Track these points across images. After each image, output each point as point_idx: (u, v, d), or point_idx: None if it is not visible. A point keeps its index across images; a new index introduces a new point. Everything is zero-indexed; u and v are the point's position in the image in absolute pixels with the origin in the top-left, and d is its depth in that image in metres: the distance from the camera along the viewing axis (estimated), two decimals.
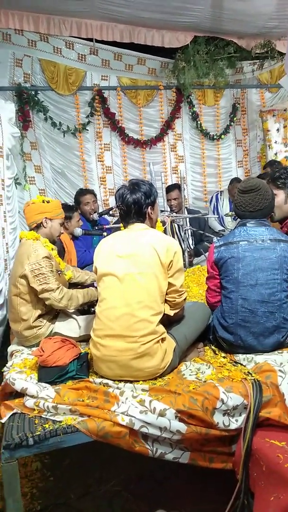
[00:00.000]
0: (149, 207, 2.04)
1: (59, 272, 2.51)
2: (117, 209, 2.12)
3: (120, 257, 1.94)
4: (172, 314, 2.01)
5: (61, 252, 3.39)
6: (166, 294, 1.97)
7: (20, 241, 2.54)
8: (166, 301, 1.99)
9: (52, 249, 2.50)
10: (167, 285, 1.95)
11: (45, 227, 2.51)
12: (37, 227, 2.50)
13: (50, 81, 4.75)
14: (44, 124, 4.86)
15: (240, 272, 2.05)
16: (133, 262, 1.91)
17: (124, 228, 2.08)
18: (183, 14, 4.32)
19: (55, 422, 1.69)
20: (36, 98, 4.73)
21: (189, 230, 4.13)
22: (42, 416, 1.74)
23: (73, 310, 2.49)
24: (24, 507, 1.81)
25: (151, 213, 2.06)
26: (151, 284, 1.89)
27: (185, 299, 2.05)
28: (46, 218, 2.49)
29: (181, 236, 4.14)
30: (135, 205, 1.99)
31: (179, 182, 4.06)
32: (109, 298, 1.92)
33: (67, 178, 5.09)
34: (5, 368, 2.14)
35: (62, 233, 2.70)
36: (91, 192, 4.27)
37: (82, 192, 4.24)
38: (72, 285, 2.80)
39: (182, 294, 2.01)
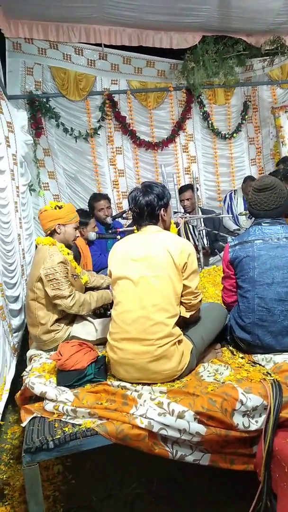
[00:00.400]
0: (162, 209, 2.04)
1: (74, 276, 2.53)
2: (130, 211, 2.12)
3: (134, 260, 1.94)
4: (188, 316, 2.00)
5: (77, 257, 3.42)
6: (182, 296, 1.96)
7: (36, 247, 2.57)
8: (181, 303, 1.98)
9: (68, 253, 2.52)
10: (182, 287, 1.94)
11: (59, 233, 2.53)
12: (52, 233, 2.53)
13: (61, 87, 4.81)
14: (56, 130, 4.92)
15: (256, 271, 2.03)
16: (147, 265, 1.91)
17: (137, 231, 2.08)
18: (190, 14, 4.32)
19: (74, 425, 1.70)
20: (48, 105, 4.79)
21: (204, 230, 4.12)
22: (62, 419, 1.75)
23: (88, 314, 2.50)
24: (47, 510, 1.82)
25: (164, 215, 2.06)
26: (166, 287, 1.89)
27: (200, 300, 2.04)
28: (59, 224, 2.51)
29: (195, 237, 4.12)
30: (148, 207, 1.99)
31: (192, 183, 4.04)
32: (124, 301, 1.93)
33: (80, 182, 5.14)
34: (24, 373, 2.17)
35: (78, 236, 2.71)
36: (105, 198, 4.29)
37: (96, 198, 4.26)
38: (88, 289, 2.82)
39: (198, 295, 2.00)
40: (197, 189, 4.18)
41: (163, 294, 1.88)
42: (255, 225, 2.14)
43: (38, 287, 2.34)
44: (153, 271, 1.89)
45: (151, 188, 2.02)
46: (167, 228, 2.12)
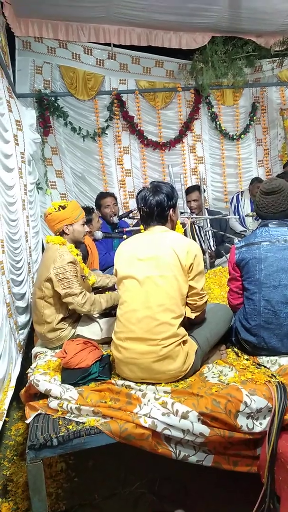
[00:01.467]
0: (171, 210, 2.04)
1: (83, 277, 2.54)
2: (138, 211, 2.11)
3: (141, 260, 1.94)
4: (193, 317, 2.00)
5: (85, 256, 3.42)
6: (187, 297, 1.96)
7: (46, 245, 2.56)
8: (187, 304, 1.98)
9: (77, 254, 2.53)
10: (188, 288, 1.94)
11: (68, 233, 2.53)
12: (61, 234, 2.52)
13: (70, 86, 4.82)
14: (64, 129, 4.94)
15: (263, 273, 2.02)
16: (154, 264, 1.91)
17: (145, 230, 2.08)
18: (200, 15, 4.31)
19: (78, 423, 1.71)
20: (56, 104, 4.81)
21: (210, 232, 4.11)
22: (66, 417, 1.75)
23: (96, 314, 2.51)
24: (50, 507, 1.83)
25: (172, 215, 2.06)
26: (172, 287, 1.88)
27: (206, 301, 2.04)
28: (66, 225, 2.51)
29: (202, 238, 4.12)
30: (158, 207, 1.99)
31: (199, 184, 4.04)
32: (130, 301, 1.93)
33: (87, 182, 5.15)
34: (29, 370, 2.18)
35: (88, 231, 2.70)
36: (111, 195, 4.30)
37: (102, 195, 4.28)
38: (94, 289, 2.82)
39: (203, 297, 2.00)
40: (204, 190, 4.17)
41: (168, 294, 1.88)
42: (262, 227, 2.13)
43: (46, 286, 2.35)
44: (159, 271, 1.89)
45: (161, 188, 2.01)
46: (173, 228, 2.12)
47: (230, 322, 2.23)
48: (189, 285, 1.94)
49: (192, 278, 1.93)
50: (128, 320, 1.91)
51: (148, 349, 1.85)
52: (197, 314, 2.02)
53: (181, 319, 1.92)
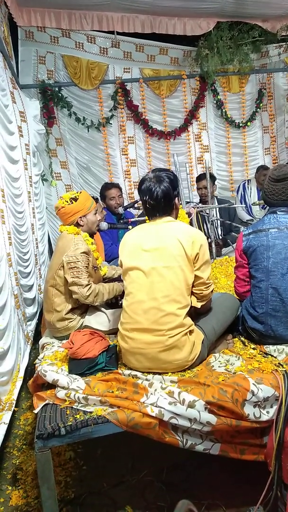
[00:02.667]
0: (176, 198, 2.01)
1: (95, 268, 2.53)
2: (142, 204, 2.05)
3: (146, 251, 1.92)
4: (199, 306, 1.99)
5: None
6: (193, 286, 1.95)
7: (59, 234, 2.55)
8: (193, 293, 1.97)
9: (92, 243, 2.52)
10: (194, 277, 1.92)
11: (82, 225, 2.52)
12: (76, 225, 2.51)
13: (73, 76, 4.78)
14: (69, 119, 4.91)
15: (270, 261, 2.00)
16: (159, 255, 1.89)
17: (149, 221, 2.07)
18: (205, 0, 4.22)
19: (86, 412, 1.72)
20: (60, 94, 4.78)
21: (218, 221, 4.08)
22: (73, 407, 1.77)
23: (101, 305, 2.51)
24: (59, 495, 1.86)
25: (177, 204, 2.03)
26: (177, 278, 1.87)
27: (212, 291, 2.02)
28: (80, 217, 2.49)
29: (208, 227, 4.09)
30: (165, 198, 1.93)
31: (205, 172, 4.00)
32: (136, 292, 1.92)
33: (92, 172, 5.14)
34: (36, 361, 2.20)
35: (100, 220, 2.69)
36: (117, 186, 4.28)
37: (107, 187, 4.25)
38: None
39: (209, 286, 1.99)
40: (215, 178, 4.12)
41: (174, 285, 1.87)
42: (270, 214, 2.10)
43: (59, 274, 2.36)
44: (165, 261, 1.88)
45: (164, 177, 1.94)
46: (176, 215, 2.09)
47: (237, 312, 2.22)
48: (195, 275, 1.92)
49: (198, 267, 1.92)
50: (134, 311, 1.91)
51: (155, 339, 1.85)
52: (203, 303, 2.01)
53: (187, 309, 1.91)
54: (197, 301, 1.99)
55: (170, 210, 2.00)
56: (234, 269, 2.27)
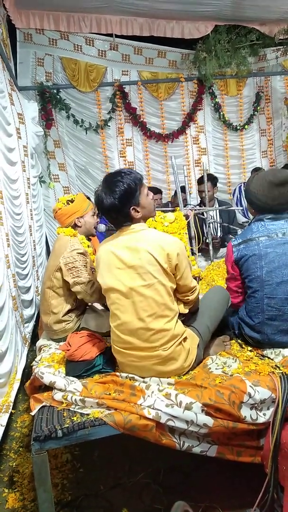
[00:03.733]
0: (132, 209, 1.79)
1: (92, 269, 2.54)
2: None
3: (120, 269, 1.81)
4: (186, 311, 1.96)
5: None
6: (179, 293, 1.90)
7: (57, 236, 2.56)
8: (179, 300, 1.93)
9: (88, 246, 2.53)
10: (178, 285, 1.86)
11: (80, 226, 2.53)
12: (73, 227, 2.53)
13: (72, 78, 4.80)
14: (67, 122, 4.92)
15: (264, 270, 1.95)
16: (134, 274, 1.79)
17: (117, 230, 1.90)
18: (203, 3, 4.26)
19: (82, 415, 1.72)
20: (58, 97, 4.79)
21: (217, 223, 4.10)
22: (70, 409, 1.76)
23: (101, 307, 2.51)
24: (55, 498, 1.85)
25: (136, 213, 1.81)
26: (159, 294, 1.78)
27: (198, 293, 1.98)
28: (77, 218, 2.51)
29: (205, 230, 4.10)
30: (112, 211, 1.78)
31: (203, 175, 4.02)
32: (120, 314, 1.84)
33: (90, 174, 5.14)
34: (33, 363, 2.19)
35: (98, 222, 2.70)
36: None
37: None
38: None
39: (194, 290, 1.94)
40: (217, 180, 4.12)
41: (157, 302, 1.79)
42: (257, 221, 2.03)
43: (56, 276, 2.36)
44: (142, 280, 1.78)
45: (111, 184, 1.76)
46: (148, 215, 1.91)
47: (228, 302, 2.19)
48: (179, 284, 1.86)
49: (180, 276, 1.84)
50: (122, 332, 1.85)
51: (149, 355, 1.82)
52: (190, 306, 1.97)
53: (175, 318, 1.86)
54: (184, 307, 1.94)
55: (127, 219, 1.82)
56: (226, 280, 2.21)
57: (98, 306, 2.52)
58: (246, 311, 2.06)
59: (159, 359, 1.82)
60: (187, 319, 2.03)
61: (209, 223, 3.90)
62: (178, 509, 0.86)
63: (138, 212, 1.82)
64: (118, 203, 1.76)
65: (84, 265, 2.35)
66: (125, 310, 1.82)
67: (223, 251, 4.11)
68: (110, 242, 1.90)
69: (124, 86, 5.01)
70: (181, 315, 1.95)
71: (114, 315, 1.88)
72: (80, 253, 2.36)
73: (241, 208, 4.94)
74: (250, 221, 4.63)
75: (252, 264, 1.99)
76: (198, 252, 3.59)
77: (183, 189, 3.87)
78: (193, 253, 3.51)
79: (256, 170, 4.96)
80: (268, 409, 1.71)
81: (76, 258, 2.33)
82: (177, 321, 1.87)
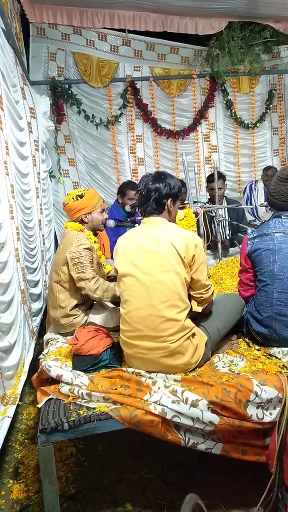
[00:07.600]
0: (170, 199, 1.95)
1: (99, 265, 2.54)
2: (137, 194, 2.06)
3: (140, 256, 1.87)
4: (200, 310, 1.96)
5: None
6: (193, 290, 1.92)
7: (64, 230, 2.58)
8: (192, 297, 1.94)
9: (94, 242, 2.54)
10: (191, 280, 1.88)
11: (87, 222, 2.53)
12: (80, 222, 2.53)
13: (83, 74, 4.79)
14: (78, 117, 4.93)
15: (276, 265, 1.99)
16: (153, 261, 1.84)
17: (143, 218, 2.01)
18: (218, 0, 4.21)
19: (89, 408, 1.73)
20: (70, 92, 4.80)
21: (225, 221, 4.07)
22: (77, 402, 1.77)
23: (108, 303, 2.52)
24: (59, 490, 1.86)
25: (170, 206, 1.96)
26: (174, 282, 1.83)
27: (212, 293, 1.99)
28: (85, 214, 2.51)
29: (215, 228, 4.08)
30: (156, 192, 1.92)
31: (213, 172, 3.99)
32: (132, 299, 1.88)
33: (100, 170, 5.15)
34: (41, 356, 2.21)
35: (106, 218, 2.70)
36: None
37: (129, 185, 4.18)
38: (107, 277, 2.83)
39: (209, 288, 1.95)
40: (225, 178, 4.10)
41: (171, 290, 1.83)
42: (275, 218, 2.08)
43: (63, 270, 2.37)
44: (160, 267, 1.83)
45: (165, 177, 1.96)
46: (172, 221, 2.03)
47: (242, 312, 2.21)
48: (194, 278, 1.88)
49: (195, 270, 1.87)
50: (132, 319, 1.87)
51: (156, 345, 1.83)
52: (204, 307, 1.97)
53: (186, 311, 1.88)
54: (198, 305, 1.95)
55: (160, 207, 1.95)
56: (238, 272, 2.26)
57: (106, 301, 2.52)
58: (255, 305, 2.08)
59: (167, 352, 1.82)
60: (199, 319, 2.03)
61: (218, 221, 3.87)
62: (190, 501, 0.88)
63: (170, 208, 1.97)
64: (164, 188, 1.92)
65: (90, 261, 2.36)
66: (138, 296, 1.86)
67: (232, 250, 4.09)
68: (131, 233, 2.00)
69: (135, 82, 5.00)
70: (193, 313, 1.95)
71: (126, 301, 1.91)
72: (87, 248, 2.36)
73: (251, 206, 4.90)
74: (256, 219, 4.61)
75: (265, 258, 2.02)
76: (206, 250, 3.58)
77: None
78: None
79: (267, 169, 4.93)
80: (274, 408, 1.70)
81: (82, 254, 2.34)
82: (187, 315, 1.88)
